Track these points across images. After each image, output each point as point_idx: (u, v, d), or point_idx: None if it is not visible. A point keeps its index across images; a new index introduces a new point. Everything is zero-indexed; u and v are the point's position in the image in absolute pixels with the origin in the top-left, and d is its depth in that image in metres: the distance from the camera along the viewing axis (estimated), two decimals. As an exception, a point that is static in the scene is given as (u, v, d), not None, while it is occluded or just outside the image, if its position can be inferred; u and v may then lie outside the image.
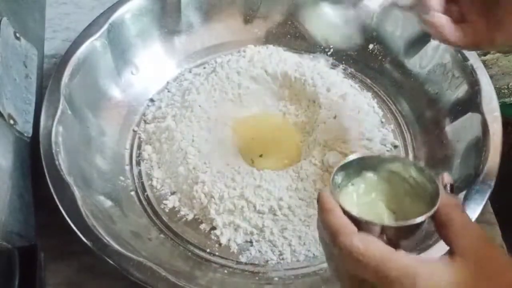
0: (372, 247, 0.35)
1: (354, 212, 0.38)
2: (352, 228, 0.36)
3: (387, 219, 0.40)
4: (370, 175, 0.42)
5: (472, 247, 0.35)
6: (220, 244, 0.58)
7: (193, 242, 0.58)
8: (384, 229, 0.37)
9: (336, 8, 0.72)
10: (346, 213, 0.37)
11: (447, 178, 0.41)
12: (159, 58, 0.71)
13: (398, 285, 0.33)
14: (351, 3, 0.71)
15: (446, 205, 0.37)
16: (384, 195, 0.41)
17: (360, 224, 0.37)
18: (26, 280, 0.49)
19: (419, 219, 0.37)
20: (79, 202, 0.51)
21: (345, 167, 0.41)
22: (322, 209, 0.37)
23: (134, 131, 0.67)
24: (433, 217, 0.37)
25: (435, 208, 0.37)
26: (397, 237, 0.38)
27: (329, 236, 0.36)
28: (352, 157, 0.41)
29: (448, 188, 0.41)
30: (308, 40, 0.74)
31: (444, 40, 0.46)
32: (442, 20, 0.45)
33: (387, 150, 0.64)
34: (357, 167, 0.41)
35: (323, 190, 0.39)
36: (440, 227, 0.37)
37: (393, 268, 0.34)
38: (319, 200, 0.38)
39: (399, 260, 0.34)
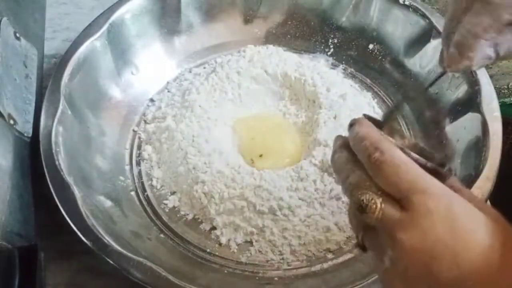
0: (412, 162, 0.35)
1: None
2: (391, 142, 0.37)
3: None
4: None
5: (484, 209, 0.35)
6: (220, 244, 0.58)
7: (193, 242, 0.58)
8: None
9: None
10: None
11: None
12: (159, 58, 0.71)
13: (433, 200, 0.33)
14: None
15: (452, 181, 0.37)
16: None
17: None
18: (26, 280, 0.49)
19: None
20: (79, 202, 0.51)
21: None
22: (363, 125, 0.38)
23: (134, 131, 0.67)
24: None
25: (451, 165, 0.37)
26: None
27: (371, 143, 0.36)
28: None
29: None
30: (308, 40, 0.74)
31: None
32: None
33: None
34: None
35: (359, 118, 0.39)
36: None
37: (432, 186, 0.33)
38: (356, 121, 0.38)
39: (437, 182, 0.34)
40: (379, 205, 0.35)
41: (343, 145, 0.39)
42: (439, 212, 0.33)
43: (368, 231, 0.36)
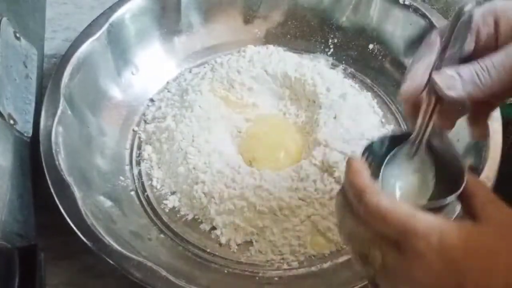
0: (398, 205, 0.35)
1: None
2: (378, 188, 0.36)
3: (414, 199, 0.40)
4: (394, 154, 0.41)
5: (497, 216, 0.35)
6: (220, 244, 0.58)
7: (193, 242, 0.58)
8: None
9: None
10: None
11: (469, 161, 0.41)
12: (159, 58, 0.71)
13: (424, 240, 0.33)
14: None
15: (472, 181, 0.38)
16: (408, 174, 0.41)
17: None
18: (26, 280, 0.49)
19: (449, 199, 0.37)
20: (79, 202, 0.51)
21: (371, 147, 0.41)
22: (349, 170, 0.37)
23: (134, 131, 0.67)
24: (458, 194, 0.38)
25: (463, 186, 0.37)
26: None
27: (355, 194, 0.36)
28: (378, 137, 0.41)
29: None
30: (308, 40, 0.74)
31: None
32: None
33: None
34: (381, 146, 0.41)
35: (353, 157, 0.39)
36: (466, 198, 0.37)
37: (420, 224, 0.34)
38: (348, 162, 0.38)
39: (425, 217, 0.34)
40: (378, 255, 0.36)
41: (341, 187, 0.39)
42: (432, 251, 0.33)
43: (377, 272, 0.37)
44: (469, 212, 0.37)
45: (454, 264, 0.33)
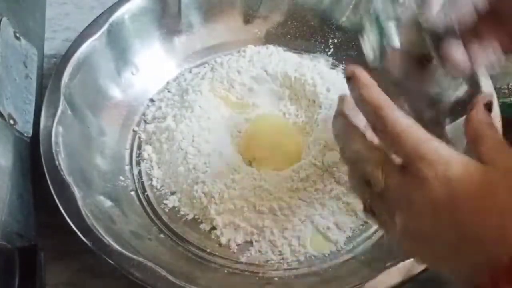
0: (415, 127, 0.35)
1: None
2: (394, 104, 0.36)
3: None
4: None
5: (504, 161, 0.35)
6: (220, 244, 0.58)
7: (193, 242, 0.58)
8: None
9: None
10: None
11: (489, 96, 0.40)
12: (159, 58, 0.71)
13: (430, 167, 0.34)
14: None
15: (479, 121, 0.38)
16: None
17: None
18: (26, 280, 0.49)
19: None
20: (79, 202, 0.51)
21: None
22: (361, 84, 0.37)
23: (134, 131, 0.67)
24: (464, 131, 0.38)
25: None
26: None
27: (372, 106, 0.36)
28: None
29: (483, 106, 0.39)
30: (308, 40, 0.74)
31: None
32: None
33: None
34: None
35: (354, 67, 0.38)
36: (473, 142, 0.37)
37: (430, 151, 0.34)
38: (354, 76, 0.37)
39: (438, 145, 0.34)
40: (381, 177, 0.36)
41: (340, 110, 0.40)
42: (435, 179, 0.33)
43: (375, 197, 0.37)
44: (477, 155, 0.37)
45: (453, 197, 0.33)
